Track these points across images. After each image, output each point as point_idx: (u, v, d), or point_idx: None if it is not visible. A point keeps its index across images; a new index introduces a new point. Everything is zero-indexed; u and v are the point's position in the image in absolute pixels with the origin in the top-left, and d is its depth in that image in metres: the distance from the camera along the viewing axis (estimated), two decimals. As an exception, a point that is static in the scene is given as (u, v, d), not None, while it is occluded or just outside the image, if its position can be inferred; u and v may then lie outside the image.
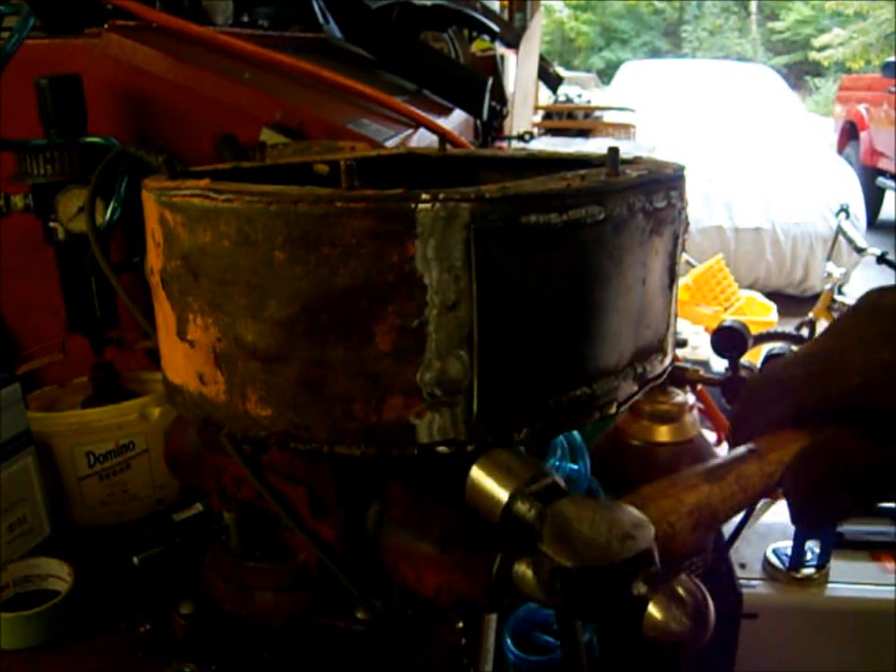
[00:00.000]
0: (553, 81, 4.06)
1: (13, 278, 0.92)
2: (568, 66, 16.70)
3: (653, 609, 0.35)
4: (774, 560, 1.30)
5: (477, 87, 1.42)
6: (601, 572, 0.35)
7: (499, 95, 1.92)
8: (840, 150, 7.87)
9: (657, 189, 0.46)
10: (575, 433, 1.04)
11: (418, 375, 0.40)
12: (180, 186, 0.44)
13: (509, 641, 1.07)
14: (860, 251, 3.24)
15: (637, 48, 19.88)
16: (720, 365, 2.14)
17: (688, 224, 0.52)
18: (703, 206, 5.14)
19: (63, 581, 0.65)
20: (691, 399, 1.38)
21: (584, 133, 4.76)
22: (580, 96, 5.79)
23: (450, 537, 0.47)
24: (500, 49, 2.42)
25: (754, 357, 1.17)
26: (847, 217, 3.45)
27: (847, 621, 1.26)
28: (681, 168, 0.50)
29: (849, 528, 1.36)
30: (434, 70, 1.39)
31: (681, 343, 1.55)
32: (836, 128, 8.42)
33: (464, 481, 0.49)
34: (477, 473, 0.40)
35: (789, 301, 4.98)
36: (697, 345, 2.50)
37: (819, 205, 5.24)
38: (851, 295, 3.18)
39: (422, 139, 1.11)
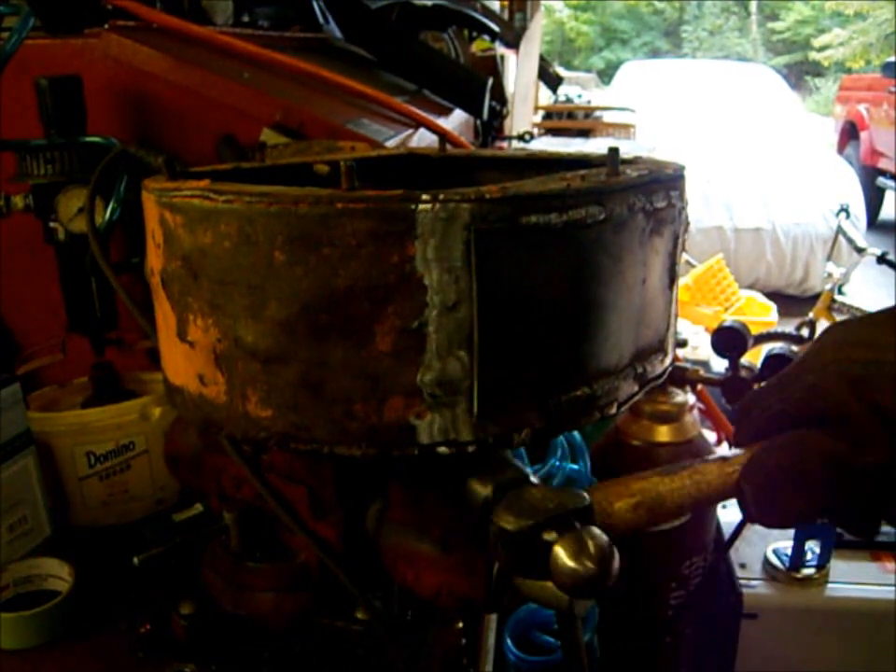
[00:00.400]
0: (553, 81, 4.06)
1: (13, 278, 0.92)
2: (568, 66, 16.69)
3: (562, 555, 0.39)
4: (774, 560, 1.30)
5: (477, 87, 1.42)
6: (528, 531, 0.40)
7: (499, 95, 1.92)
8: (840, 150, 7.87)
9: (657, 189, 0.46)
10: (575, 433, 1.04)
11: (418, 376, 0.40)
12: (180, 186, 0.44)
13: (509, 641, 1.07)
14: (860, 251, 3.24)
15: (638, 48, 19.88)
16: (720, 365, 2.14)
17: (688, 224, 0.52)
18: (703, 206, 5.14)
19: (64, 581, 0.65)
20: (691, 399, 1.38)
21: (584, 134, 4.76)
22: (580, 96, 5.80)
23: (450, 537, 0.47)
24: (500, 49, 2.42)
25: (754, 357, 1.17)
26: (848, 216, 3.45)
27: (847, 621, 1.26)
28: (681, 168, 0.50)
29: (849, 528, 1.36)
30: (434, 70, 1.39)
31: (681, 343, 1.55)
32: (836, 128, 8.42)
33: (464, 481, 0.49)
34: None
35: (789, 301, 4.98)
36: (697, 345, 2.50)
37: (820, 205, 5.24)
38: (851, 295, 3.18)
39: (422, 139, 1.11)
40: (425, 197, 0.39)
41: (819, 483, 0.42)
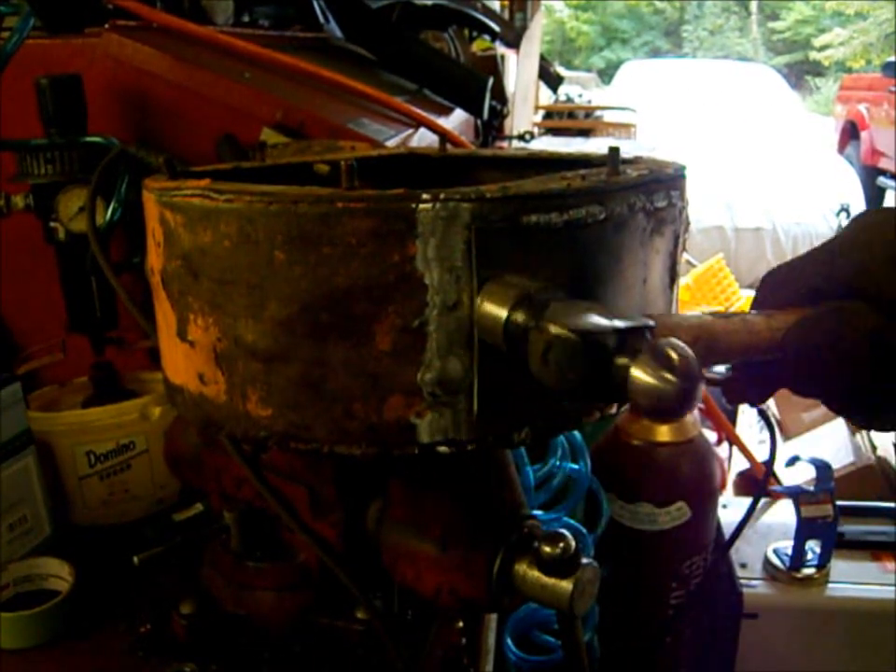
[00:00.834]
0: (553, 81, 4.06)
1: (13, 278, 0.92)
2: (569, 66, 16.69)
3: (638, 373, 0.34)
4: (774, 560, 1.30)
5: (477, 86, 1.42)
6: (592, 338, 0.35)
7: (500, 95, 1.92)
8: (841, 150, 7.87)
9: (658, 188, 0.46)
10: (575, 433, 1.04)
11: (419, 375, 0.40)
12: (181, 186, 0.44)
13: (509, 641, 1.07)
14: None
15: (638, 47, 19.88)
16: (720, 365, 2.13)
17: (688, 224, 0.52)
18: (703, 206, 5.14)
19: (64, 580, 0.65)
20: (691, 398, 1.38)
21: (585, 133, 4.76)
22: (580, 96, 5.80)
23: (450, 536, 0.47)
24: (501, 48, 2.42)
25: (755, 356, 1.17)
26: (848, 216, 3.45)
27: (847, 621, 1.26)
28: (682, 168, 0.50)
29: (850, 528, 1.36)
30: (435, 70, 1.39)
31: (682, 343, 1.55)
32: (837, 128, 8.42)
33: (464, 481, 0.49)
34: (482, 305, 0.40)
35: (789, 301, 4.97)
36: (698, 345, 2.50)
37: (820, 205, 5.24)
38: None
39: (422, 139, 1.11)
40: (425, 196, 0.39)
41: (863, 359, 0.41)
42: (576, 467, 1.04)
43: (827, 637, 1.26)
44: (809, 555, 1.28)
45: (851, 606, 1.26)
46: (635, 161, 0.51)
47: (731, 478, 2.00)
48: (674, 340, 0.36)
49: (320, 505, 0.52)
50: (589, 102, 5.86)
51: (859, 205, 5.32)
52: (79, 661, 0.61)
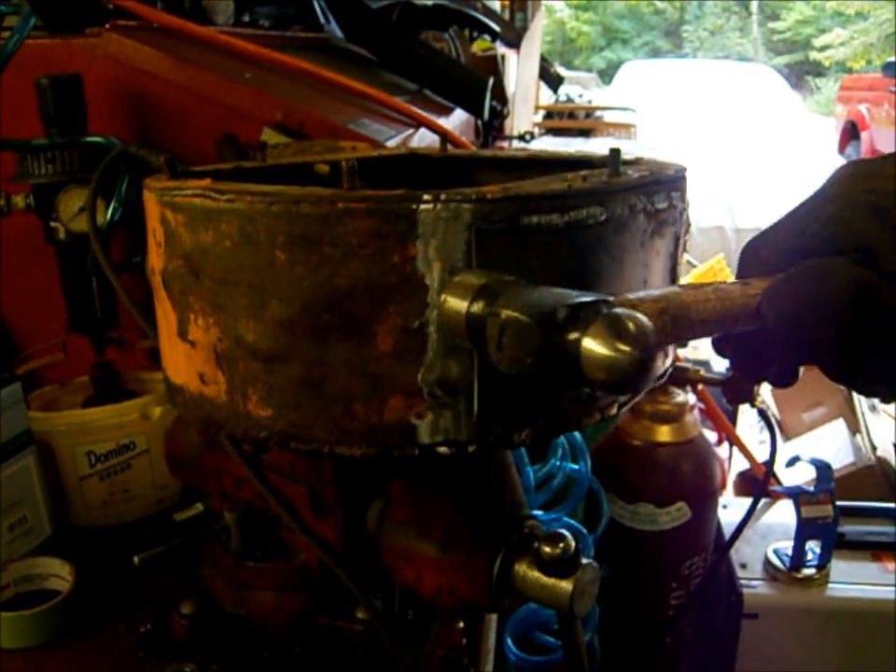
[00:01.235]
0: (553, 81, 4.06)
1: (13, 278, 0.92)
2: (569, 66, 16.68)
3: (590, 344, 0.33)
4: (774, 560, 1.30)
5: (478, 87, 1.42)
6: (544, 318, 0.34)
7: (500, 95, 1.92)
8: (841, 150, 7.87)
9: (658, 189, 0.46)
10: (576, 433, 1.05)
11: (419, 375, 0.40)
12: (182, 186, 0.44)
13: (509, 641, 1.07)
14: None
15: (638, 48, 19.87)
16: (720, 365, 2.14)
17: (689, 225, 0.52)
18: (704, 207, 5.14)
19: (64, 580, 0.65)
20: (691, 398, 1.38)
21: (585, 133, 4.76)
22: (580, 96, 5.79)
23: (451, 537, 0.47)
24: (501, 48, 2.42)
25: (755, 357, 1.17)
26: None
27: (847, 621, 1.26)
28: (683, 169, 0.50)
29: (850, 528, 1.36)
30: (435, 70, 1.39)
31: (682, 343, 1.55)
32: (837, 128, 8.42)
33: (465, 482, 0.49)
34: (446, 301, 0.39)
35: (789, 301, 4.97)
36: (697, 345, 2.50)
37: (820, 205, 5.23)
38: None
39: (423, 139, 1.11)
40: (426, 197, 0.39)
41: (849, 312, 0.38)
42: (576, 467, 1.05)
43: (827, 637, 1.26)
44: (809, 556, 1.28)
45: (851, 606, 1.26)
46: (635, 163, 0.51)
47: (731, 478, 2.00)
48: (629, 310, 0.34)
49: (321, 505, 0.52)
50: (589, 102, 5.86)
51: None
52: (79, 661, 0.61)
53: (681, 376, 1.16)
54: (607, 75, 15.17)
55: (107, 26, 0.89)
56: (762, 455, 1.67)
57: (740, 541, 1.27)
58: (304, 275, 0.40)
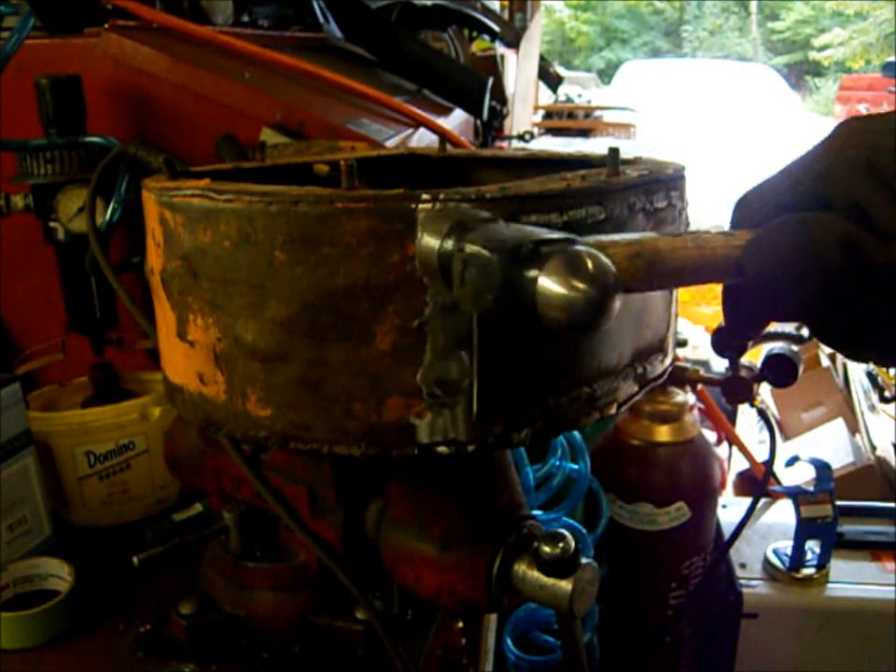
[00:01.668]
0: (553, 81, 4.06)
1: (13, 278, 0.92)
2: (569, 66, 16.68)
3: (545, 282, 0.31)
4: (774, 560, 1.30)
5: (477, 87, 1.42)
6: (506, 254, 0.32)
7: (499, 95, 1.92)
8: (840, 150, 7.86)
9: (657, 189, 0.46)
10: (575, 433, 1.04)
11: (418, 375, 0.40)
12: (180, 186, 0.44)
13: (509, 641, 1.07)
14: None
15: (638, 47, 19.87)
16: (720, 365, 2.14)
17: (688, 224, 0.52)
18: (703, 206, 5.14)
19: (64, 580, 0.65)
20: (691, 398, 1.38)
21: (584, 133, 4.76)
22: (580, 96, 5.79)
23: (450, 537, 0.47)
24: (500, 48, 2.42)
25: (754, 357, 1.17)
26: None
27: (847, 621, 1.26)
28: (682, 168, 0.50)
29: (849, 528, 1.36)
30: (434, 70, 1.39)
31: (682, 343, 1.55)
32: (837, 128, 8.41)
33: (464, 481, 0.49)
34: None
35: (789, 301, 4.97)
36: (697, 345, 2.50)
37: (820, 205, 5.24)
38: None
39: (422, 139, 1.11)
40: (425, 196, 0.39)
41: (834, 267, 0.36)
42: (576, 467, 1.04)
43: (827, 637, 1.26)
44: (809, 555, 1.28)
45: (851, 606, 1.26)
46: (635, 162, 0.51)
47: (731, 478, 2.00)
48: (590, 248, 0.32)
49: (320, 505, 0.52)
50: (589, 102, 5.86)
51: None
52: (79, 661, 0.61)
53: (681, 376, 1.16)
54: (606, 75, 15.17)
55: (106, 26, 0.89)
56: (761, 454, 1.67)
57: (740, 541, 1.27)
58: (303, 275, 0.40)
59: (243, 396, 0.44)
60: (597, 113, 5.43)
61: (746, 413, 2.28)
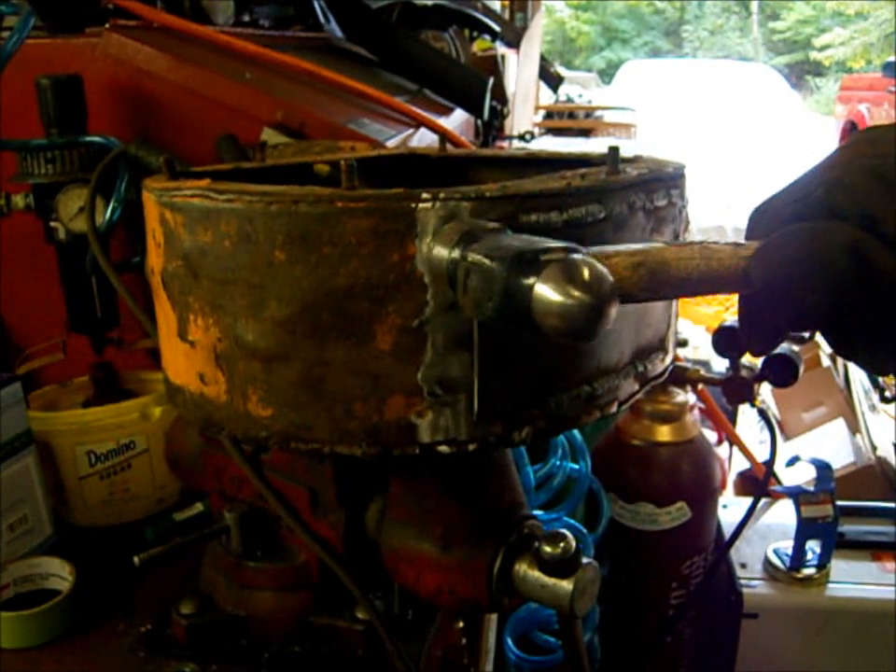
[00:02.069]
0: (553, 81, 4.06)
1: (13, 278, 0.92)
2: (569, 66, 16.69)
3: (542, 289, 0.32)
4: (774, 560, 1.30)
5: (478, 87, 1.41)
6: (507, 262, 0.33)
7: (500, 95, 1.92)
8: (841, 150, 7.86)
9: (657, 187, 0.46)
10: (575, 432, 1.04)
11: (419, 374, 0.40)
12: (181, 186, 0.44)
13: (509, 641, 1.07)
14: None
15: (638, 47, 19.87)
16: (720, 365, 2.13)
17: (688, 223, 0.52)
18: (703, 206, 5.14)
19: (64, 580, 0.65)
20: (691, 398, 1.38)
21: (585, 133, 4.76)
22: (580, 96, 5.79)
23: (451, 536, 0.47)
24: (501, 48, 2.42)
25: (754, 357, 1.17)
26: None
27: (847, 621, 1.26)
28: (682, 167, 0.50)
29: (850, 528, 1.36)
30: (435, 70, 1.39)
31: (682, 343, 1.55)
32: (837, 127, 8.42)
33: (464, 481, 0.49)
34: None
35: (789, 301, 4.97)
36: (697, 345, 2.50)
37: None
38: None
39: (423, 139, 1.11)
40: (425, 196, 0.39)
41: (842, 276, 0.36)
42: (576, 467, 1.04)
43: (827, 637, 1.26)
44: (809, 555, 1.28)
45: (851, 606, 1.26)
46: (634, 160, 0.51)
47: (731, 478, 2.00)
48: (587, 257, 0.33)
49: (320, 505, 0.52)
50: (589, 102, 5.86)
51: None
52: (79, 661, 0.61)
53: (681, 376, 1.16)
54: (607, 75, 15.16)
55: (107, 26, 0.89)
56: (762, 454, 1.67)
57: (740, 541, 1.27)
58: (303, 275, 0.40)
59: (243, 396, 0.44)
60: (598, 113, 5.43)
61: (746, 413, 2.28)
